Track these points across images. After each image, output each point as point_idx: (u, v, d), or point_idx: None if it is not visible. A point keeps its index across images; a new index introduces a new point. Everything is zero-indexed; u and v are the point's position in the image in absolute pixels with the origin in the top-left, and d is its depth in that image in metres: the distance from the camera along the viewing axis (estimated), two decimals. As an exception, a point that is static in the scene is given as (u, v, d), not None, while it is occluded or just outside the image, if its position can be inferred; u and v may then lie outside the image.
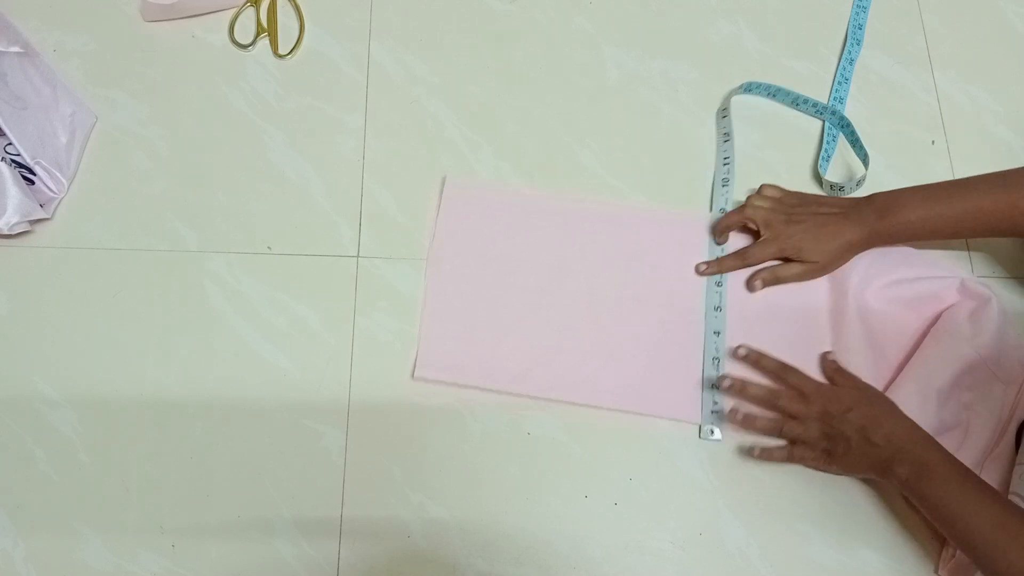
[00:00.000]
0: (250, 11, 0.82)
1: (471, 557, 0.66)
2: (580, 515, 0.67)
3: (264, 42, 0.81)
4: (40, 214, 0.70)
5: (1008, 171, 0.68)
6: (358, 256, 0.74)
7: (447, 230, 0.74)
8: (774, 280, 0.73)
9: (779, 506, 0.68)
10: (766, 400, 0.68)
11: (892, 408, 0.65)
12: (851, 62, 0.84)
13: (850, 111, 0.82)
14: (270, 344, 0.70)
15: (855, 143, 0.79)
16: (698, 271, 0.74)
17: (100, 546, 0.64)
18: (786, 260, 0.72)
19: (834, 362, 0.70)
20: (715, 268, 0.74)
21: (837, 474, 0.67)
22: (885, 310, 0.72)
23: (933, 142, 0.82)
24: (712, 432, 0.69)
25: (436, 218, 0.75)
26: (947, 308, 0.72)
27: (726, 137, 0.78)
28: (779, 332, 0.73)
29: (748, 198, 0.74)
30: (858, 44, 0.85)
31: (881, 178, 0.80)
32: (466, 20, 0.83)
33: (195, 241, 0.73)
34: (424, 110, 0.79)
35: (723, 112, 0.80)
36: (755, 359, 0.70)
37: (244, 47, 0.80)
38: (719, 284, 0.74)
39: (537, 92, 0.81)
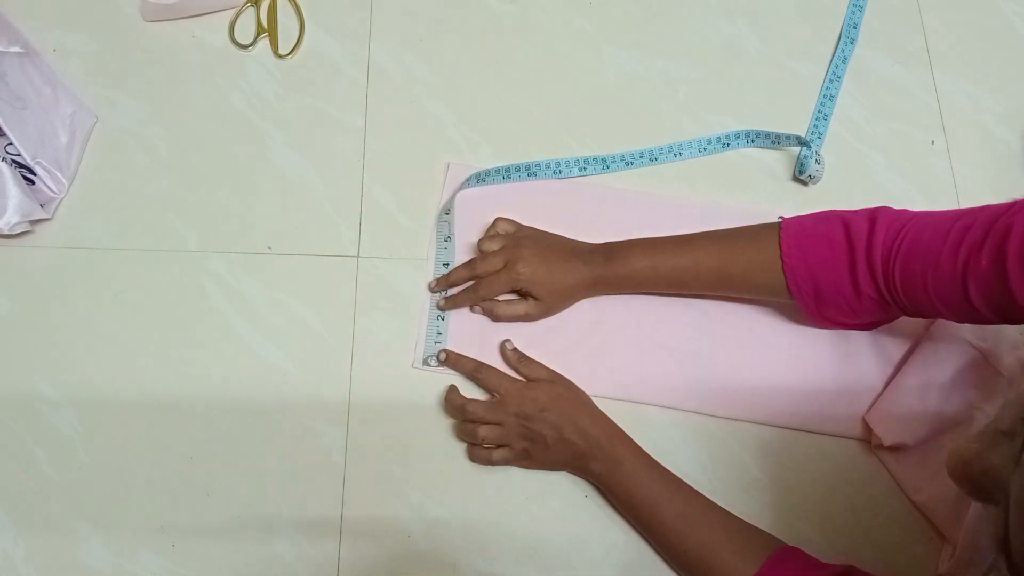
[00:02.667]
0: (250, 11, 0.82)
1: (471, 557, 0.65)
2: (580, 515, 0.67)
3: (264, 42, 0.81)
4: (40, 214, 0.70)
5: (734, 229, 0.68)
6: (358, 256, 0.74)
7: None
8: (491, 315, 0.70)
9: (778, 506, 0.68)
10: (458, 411, 0.67)
11: (585, 402, 0.67)
12: (844, 60, 0.84)
13: (850, 111, 0.82)
14: (270, 344, 0.70)
15: (777, 139, 0.79)
16: (433, 293, 0.72)
17: (100, 546, 0.64)
18: (517, 293, 0.70)
19: (515, 351, 0.70)
20: (450, 304, 0.71)
21: (539, 469, 0.68)
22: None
23: (933, 142, 0.82)
24: (431, 362, 0.70)
25: (439, 205, 0.75)
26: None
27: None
28: (777, 327, 0.73)
29: (480, 240, 0.71)
30: (852, 43, 0.85)
31: (881, 178, 0.80)
32: (466, 20, 0.83)
33: (195, 241, 0.73)
34: (424, 110, 0.79)
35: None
36: (453, 361, 0.70)
37: (244, 47, 0.80)
38: (448, 239, 0.73)
39: (537, 92, 0.81)
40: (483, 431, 0.66)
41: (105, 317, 0.70)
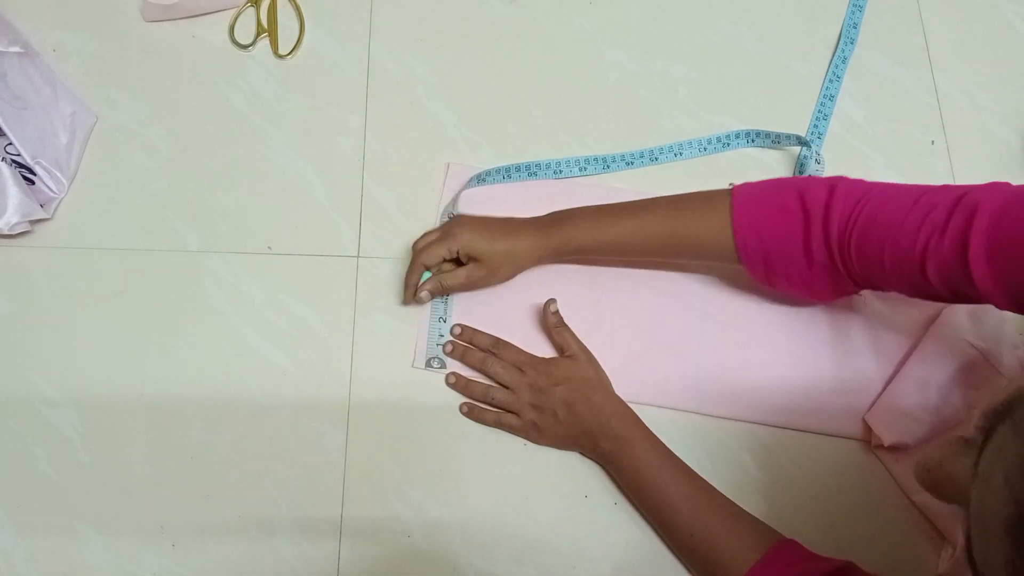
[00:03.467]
0: (250, 11, 0.82)
1: (471, 557, 0.66)
2: (580, 515, 0.67)
3: (264, 42, 0.81)
4: (40, 214, 0.70)
5: (685, 194, 0.67)
6: (358, 256, 0.74)
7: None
8: (440, 289, 0.68)
9: (778, 506, 0.68)
10: (479, 365, 0.68)
11: (602, 382, 0.67)
12: (844, 60, 0.84)
13: (850, 111, 0.82)
14: (270, 344, 0.70)
15: (777, 139, 0.79)
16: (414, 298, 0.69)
17: (100, 546, 0.64)
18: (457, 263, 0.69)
19: (556, 314, 0.69)
20: (409, 297, 0.69)
21: (548, 446, 0.68)
22: (885, 306, 0.73)
23: (933, 142, 0.83)
24: (434, 363, 0.70)
25: (439, 204, 0.75)
26: (947, 305, 0.72)
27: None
28: (777, 326, 0.73)
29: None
30: (852, 43, 0.85)
31: (881, 178, 0.79)
32: (466, 20, 0.83)
33: (195, 241, 0.73)
34: (424, 110, 0.79)
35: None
36: (469, 336, 0.70)
37: (244, 47, 0.80)
38: None
39: (537, 92, 0.81)
40: (494, 391, 0.66)
41: (105, 317, 0.70)
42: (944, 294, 0.56)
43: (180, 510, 0.65)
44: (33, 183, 0.71)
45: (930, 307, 0.72)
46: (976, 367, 0.69)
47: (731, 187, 0.65)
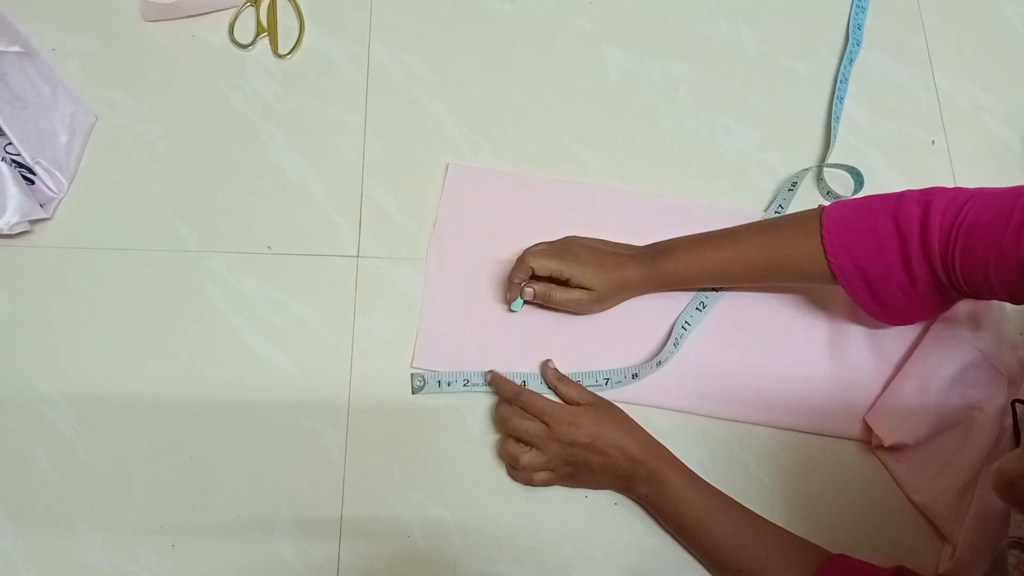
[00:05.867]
0: (250, 11, 0.82)
1: (471, 557, 0.65)
2: (580, 515, 0.67)
3: (264, 42, 0.81)
4: (40, 214, 0.70)
5: (777, 219, 0.68)
6: (358, 256, 0.74)
7: (449, 215, 0.75)
8: (545, 298, 0.68)
9: (778, 506, 0.68)
10: (503, 425, 0.67)
11: (628, 423, 0.66)
12: (851, 62, 0.84)
13: (850, 111, 0.82)
14: (270, 344, 0.70)
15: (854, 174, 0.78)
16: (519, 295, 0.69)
17: (100, 546, 0.64)
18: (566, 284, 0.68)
19: (555, 371, 0.69)
20: (514, 292, 0.69)
21: (582, 488, 0.67)
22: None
23: (933, 142, 0.83)
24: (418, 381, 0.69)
25: (438, 203, 0.75)
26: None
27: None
28: (777, 328, 0.73)
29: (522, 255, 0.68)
30: (858, 45, 0.85)
31: (881, 178, 0.80)
32: (466, 20, 0.83)
33: (195, 241, 0.73)
34: (424, 110, 0.79)
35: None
36: (497, 384, 0.68)
37: (244, 47, 0.80)
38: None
39: (537, 92, 0.81)
40: (526, 458, 0.65)
41: (105, 317, 0.70)
42: None
43: (180, 510, 0.65)
44: (33, 183, 0.71)
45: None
46: (976, 367, 0.69)
47: (820, 208, 0.64)
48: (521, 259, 0.68)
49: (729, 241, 0.68)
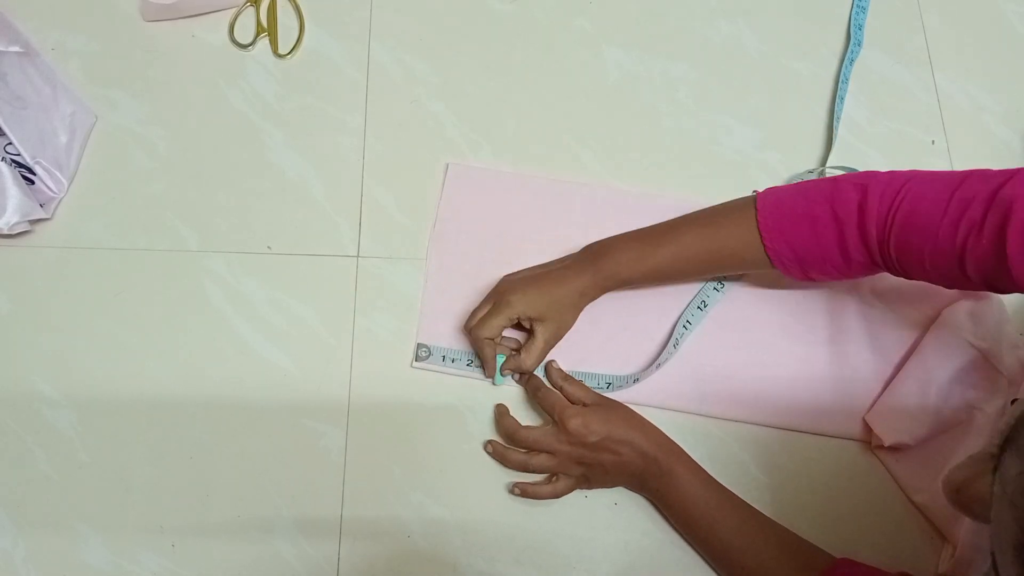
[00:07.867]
0: (250, 11, 0.82)
1: (471, 557, 0.66)
2: (580, 515, 0.67)
3: (264, 42, 0.81)
4: (40, 214, 0.70)
5: (713, 208, 0.67)
6: (358, 256, 0.74)
7: (449, 215, 0.75)
8: (521, 369, 0.68)
9: (778, 506, 0.68)
10: (509, 437, 0.66)
11: (638, 420, 0.66)
12: (851, 62, 0.84)
13: (850, 111, 0.82)
14: (270, 344, 0.70)
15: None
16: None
17: (100, 546, 0.64)
18: (521, 329, 0.69)
19: (560, 370, 0.69)
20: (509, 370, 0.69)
21: (594, 488, 0.67)
22: (885, 306, 0.73)
23: (933, 142, 0.83)
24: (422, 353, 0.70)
25: (438, 203, 0.75)
26: (947, 304, 0.72)
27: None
28: (777, 328, 0.73)
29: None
30: (858, 45, 0.85)
31: (881, 178, 0.80)
32: (466, 20, 0.83)
33: (195, 241, 0.73)
34: (424, 110, 0.79)
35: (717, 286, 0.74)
36: (526, 378, 0.69)
37: (244, 47, 0.80)
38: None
39: (537, 92, 0.81)
40: (536, 461, 0.64)
41: (105, 317, 0.70)
42: (981, 286, 0.56)
43: (180, 510, 0.65)
44: (33, 183, 0.71)
45: (930, 307, 0.72)
46: (976, 367, 0.69)
47: (755, 194, 0.65)
48: (474, 340, 0.67)
49: (669, 238, 0.67)
